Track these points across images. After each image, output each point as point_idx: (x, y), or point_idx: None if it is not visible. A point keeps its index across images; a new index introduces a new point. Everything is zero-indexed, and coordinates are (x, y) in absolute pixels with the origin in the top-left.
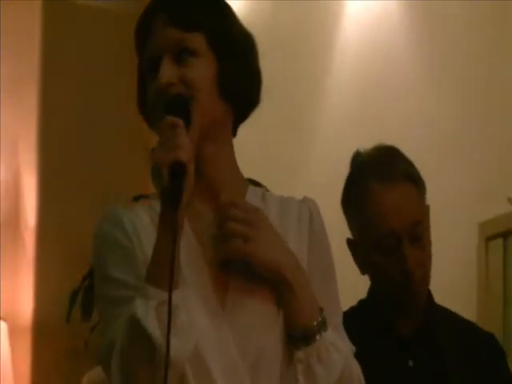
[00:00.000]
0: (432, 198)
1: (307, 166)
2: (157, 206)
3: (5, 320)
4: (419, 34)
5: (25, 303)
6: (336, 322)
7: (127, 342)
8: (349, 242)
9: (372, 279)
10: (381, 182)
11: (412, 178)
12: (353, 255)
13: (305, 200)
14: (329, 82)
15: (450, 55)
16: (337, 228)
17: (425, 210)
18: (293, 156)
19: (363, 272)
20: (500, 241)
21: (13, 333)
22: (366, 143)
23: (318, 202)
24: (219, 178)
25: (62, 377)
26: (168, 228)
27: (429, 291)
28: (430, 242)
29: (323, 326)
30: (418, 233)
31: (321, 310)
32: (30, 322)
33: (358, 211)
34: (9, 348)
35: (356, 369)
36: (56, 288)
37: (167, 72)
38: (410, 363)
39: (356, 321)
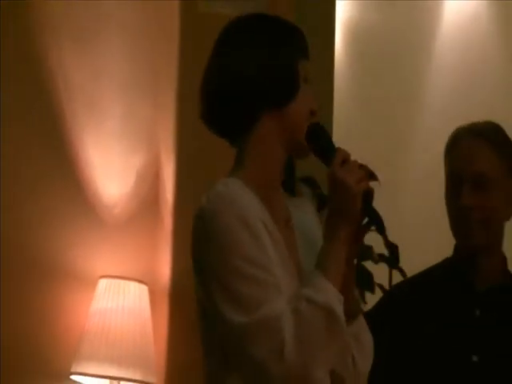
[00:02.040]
0: None
1: (405, 159)
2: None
3: (146, 284)
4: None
5: (163, 270)
6: None
7: (318, 325)
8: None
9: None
10: (467, 134)
11: (496, 145)
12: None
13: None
14: (427, 78)
15: None
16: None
17: (501, 176)
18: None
19: (449, 215)
20: None
21: (152, 296)
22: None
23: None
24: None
25: (196, 334)
26: (342, 237)
27: (504, 259)
28: (502, 205)
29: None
30: (481, 183)
31: None
32: (168, 287)
33: (447, 157)
34: (149, 309)
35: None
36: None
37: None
38: (477, 312)
39: (437, 271)
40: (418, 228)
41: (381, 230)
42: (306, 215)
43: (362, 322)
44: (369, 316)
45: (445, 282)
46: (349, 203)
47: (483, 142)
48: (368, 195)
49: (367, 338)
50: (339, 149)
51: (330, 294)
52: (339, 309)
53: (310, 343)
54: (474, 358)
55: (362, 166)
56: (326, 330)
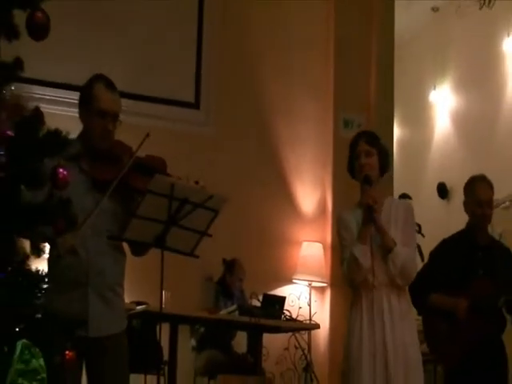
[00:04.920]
0: None
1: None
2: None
3: (320, 243)
4: None
5: (327, 236)
6: (411, 245)
7: (350, 262)
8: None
9: (469, 217)
10: (479, 179)
11: (491, 185)
12: (464, 205)
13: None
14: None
15: None
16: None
17: (491, 200)
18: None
19: (467, 211)
20: None
21: (324, 249)
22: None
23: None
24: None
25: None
26: (368, 223)
27: (488, 232)
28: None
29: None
30: (491, 204)
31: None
32: (330, 244)
33: (470, 190)
34: (323, 255)
35: (410, 263)
36: None
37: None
38: (480, 254)
39: (460, 235)
40: None
41: (371, 217)
42: (397, 210)
43: (395, 251)
44: (431, 252)
45: (463, 239)
46: (363, 208)
47: (487, 183)
48: (369, 207)
49: (398, 258)
50: (368, 188)
51: (357, 248)
52: (361, 258)
53: (350, 269)
54: (480, 272)
55: (370, 195)
56: (354, 264)
